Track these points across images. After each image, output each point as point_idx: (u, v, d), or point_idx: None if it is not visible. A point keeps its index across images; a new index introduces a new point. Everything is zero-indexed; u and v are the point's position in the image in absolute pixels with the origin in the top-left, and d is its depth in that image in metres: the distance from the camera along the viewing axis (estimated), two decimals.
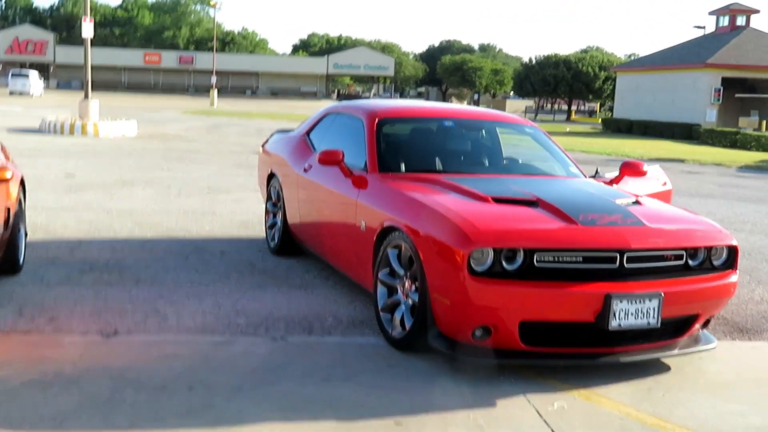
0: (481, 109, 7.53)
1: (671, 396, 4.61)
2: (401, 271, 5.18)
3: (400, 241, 5.12)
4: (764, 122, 39.53)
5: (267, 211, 8.12)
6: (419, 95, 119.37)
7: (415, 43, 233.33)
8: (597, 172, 6.80)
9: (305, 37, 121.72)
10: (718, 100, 41.50)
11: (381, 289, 5.37)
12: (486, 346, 4.69)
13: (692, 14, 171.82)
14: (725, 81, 42.25)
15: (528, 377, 4.76)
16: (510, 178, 5.93)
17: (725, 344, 5.57)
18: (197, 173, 14.67)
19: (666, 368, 5.04)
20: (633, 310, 4.58)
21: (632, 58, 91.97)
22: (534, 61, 75.89)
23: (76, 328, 5.32)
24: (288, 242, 7.62)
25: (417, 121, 6.66)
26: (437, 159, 6.23)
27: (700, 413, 4.38)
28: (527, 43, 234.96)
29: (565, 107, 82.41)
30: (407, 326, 5.03)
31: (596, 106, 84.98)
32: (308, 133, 7.56)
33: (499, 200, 5.08)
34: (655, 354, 4.87)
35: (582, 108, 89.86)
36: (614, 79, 58.51)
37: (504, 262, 4.56)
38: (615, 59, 78.40)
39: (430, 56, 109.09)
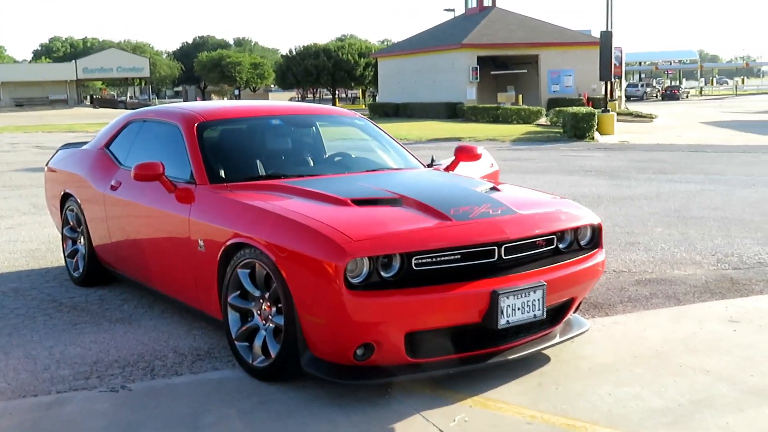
0: (304, 105, 6.99)
1: (565, 389, 4.37)
2: (256, 293, 4.57)
3: (252, 259, 4.51)
4: (520, 96, 41.94)
5: (65, 238, 7.11)
6: (177, 95, 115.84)
7: (167, 41, 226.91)
8: (433, 159, 6.51)
9: (47, 41, 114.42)
10: (476, 78, 43.38)
11: (232, 315, 4.73)
12: (369, 364, 4.22)
13: None
14: (480, 60, 44.25)
15: (415, 392, 4.34)
16: (357, 176, 5.45)
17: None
18: None
19: (546, 359, 4.81)
20: (519, 305, 4.29)
21: (386, 44, 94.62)
22: (294, 52, 75.88)
23: None
24: (95, 270, 6.71)
25: (241, 121, 5.99)
26: (273, 162, 5.63)
27: (601, 403, 4.16)
28: (282, 34, 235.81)
29: (327, 96, 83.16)
30: (272, 353, 4.44)
31: (358, 92, 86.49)
32: (107, 145, 6.66)
33: (359, 202, 4.60)
34: (539, 346, 4.62)
35: (344, 96, 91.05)
36: (374, 65, 59.70)
37: (380, 270, 4.11)
38: (372, 46, 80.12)
39: (185, 54, 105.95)
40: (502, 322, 4.24)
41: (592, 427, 3.90)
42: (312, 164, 5.83)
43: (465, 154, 6.22)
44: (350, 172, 5.64)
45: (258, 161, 5.60)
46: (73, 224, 6.96)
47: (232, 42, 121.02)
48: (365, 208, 4.55)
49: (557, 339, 4.73)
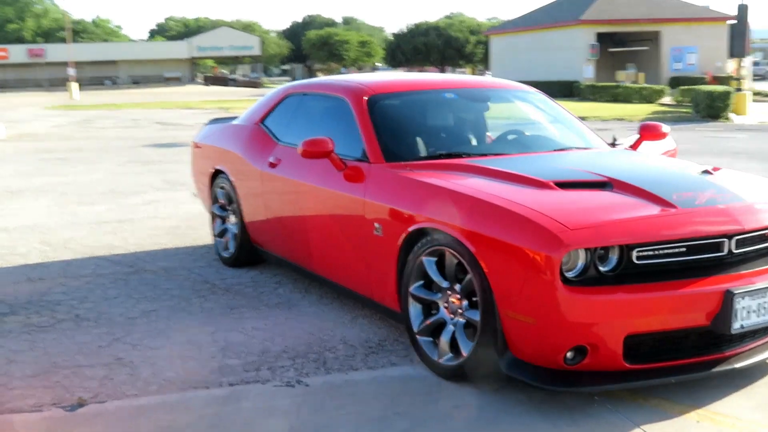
0: (474, 77, 6.51)
1: None
2: (444, 284, 4.14)
3: (440, 247, 4.07)
4: (641, 75, 40.32)
5: (214, 216, 6.85)
6: (284, 73, 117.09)
7: (276, 20, 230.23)
8: (614, 139, 5.93)
9: (162, 21, 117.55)
10: (595, 55, 41.96)
11: (414, 307, 4.32)
12: (578, 369, 3.73)
13: None
14: (598, 36, 42.76)
15: (625, 401, 3.84)
16: (548, 155, 4.95)
17: None
18: (90, 175, 13.03)
19: (767, 368, 4.22)
20: (755, 306, 3.72)
21: (494, 21, 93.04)
22: (404, 30, 75.46)
23: (23, 402, 3.99)
24: (246, 251, 6.43)
25: (412, 95, 5.51)
26: (450, 139, 5.20)
27: None
28: (388, 13, 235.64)
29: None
30: (464, 352, 3.99)
31: (467, 70, 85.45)
32: (262, 120, 6.34)
33: (563, 185, 4.10)
34: (765, 353, 4.02)
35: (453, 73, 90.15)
36: (485, 43, 58.61)
37: (597, 264, 3.61)
38: (481, 24, 78.89)
39: (293, 33, 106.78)
40: (736, 326, 3.69)
41: None
42: (492, 142, 5.35)
43: (650, 132, 5.62)
44: (536, 152, 5.12)
45: (434, 138, 5.15)
46: (223, 202, 6.68)
47: (340, 21, 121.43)
48: (572, 192, 4.04)
49: None
